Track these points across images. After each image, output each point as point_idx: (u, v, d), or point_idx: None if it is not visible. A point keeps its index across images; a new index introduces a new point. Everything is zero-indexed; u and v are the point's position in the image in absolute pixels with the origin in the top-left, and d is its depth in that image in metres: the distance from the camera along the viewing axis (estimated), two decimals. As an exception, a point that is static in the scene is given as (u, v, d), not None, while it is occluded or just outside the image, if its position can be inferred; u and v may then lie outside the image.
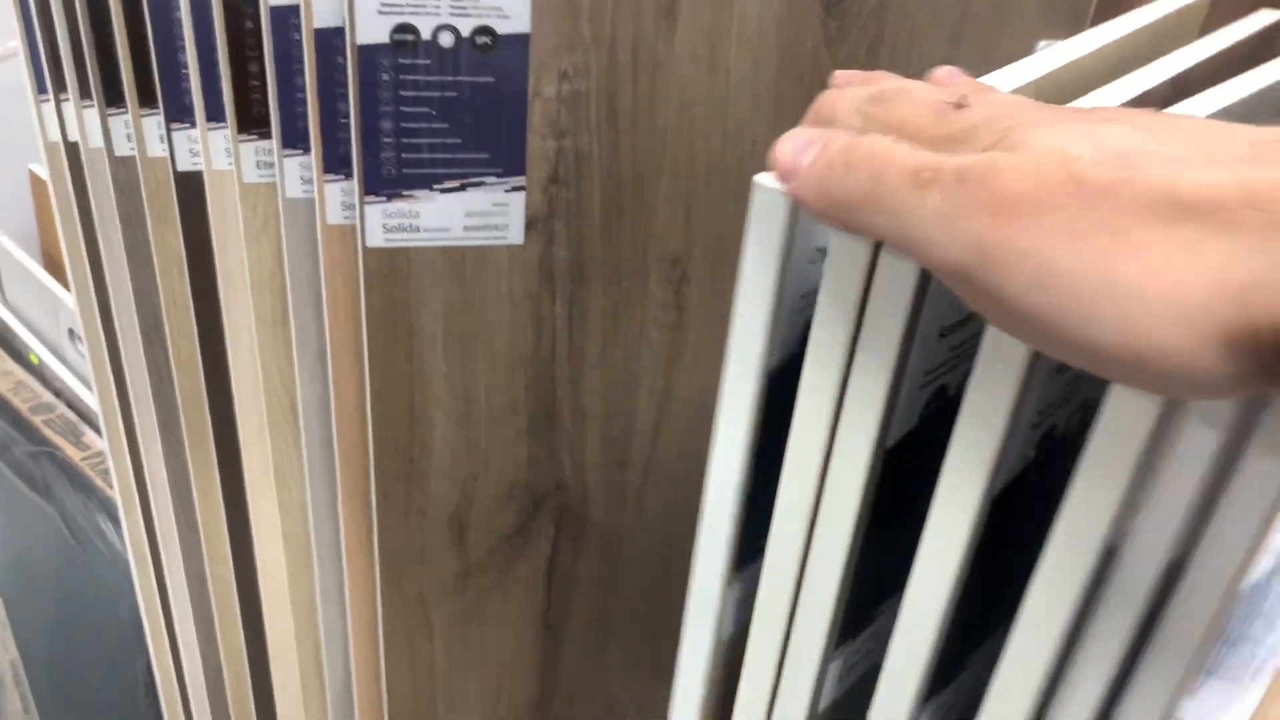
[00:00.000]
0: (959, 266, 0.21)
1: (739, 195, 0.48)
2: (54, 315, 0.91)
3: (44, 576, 0.86)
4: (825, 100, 0.28)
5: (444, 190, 0.43)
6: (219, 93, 0.47)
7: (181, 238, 0.52)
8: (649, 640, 0.62)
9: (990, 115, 0.23)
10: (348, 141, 0.44)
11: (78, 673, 0.87)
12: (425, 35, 0.39)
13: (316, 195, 0.45)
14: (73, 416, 0.87)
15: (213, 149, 0.49)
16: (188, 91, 0.48)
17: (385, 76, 0.40)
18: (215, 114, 0.48)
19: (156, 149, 0.50)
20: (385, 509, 0.51)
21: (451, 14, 0.39)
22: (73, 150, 0.53)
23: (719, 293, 0.51)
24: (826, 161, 0.24)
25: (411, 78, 0.40)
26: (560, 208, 0.45)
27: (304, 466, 0.55)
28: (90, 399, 0.87)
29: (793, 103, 0.46)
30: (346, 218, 0.45)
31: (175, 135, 0.49)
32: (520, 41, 0.40)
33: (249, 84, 0.46)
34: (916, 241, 0.21)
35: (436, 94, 0.41)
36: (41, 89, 0.52)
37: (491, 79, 0.41)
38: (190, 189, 0.51)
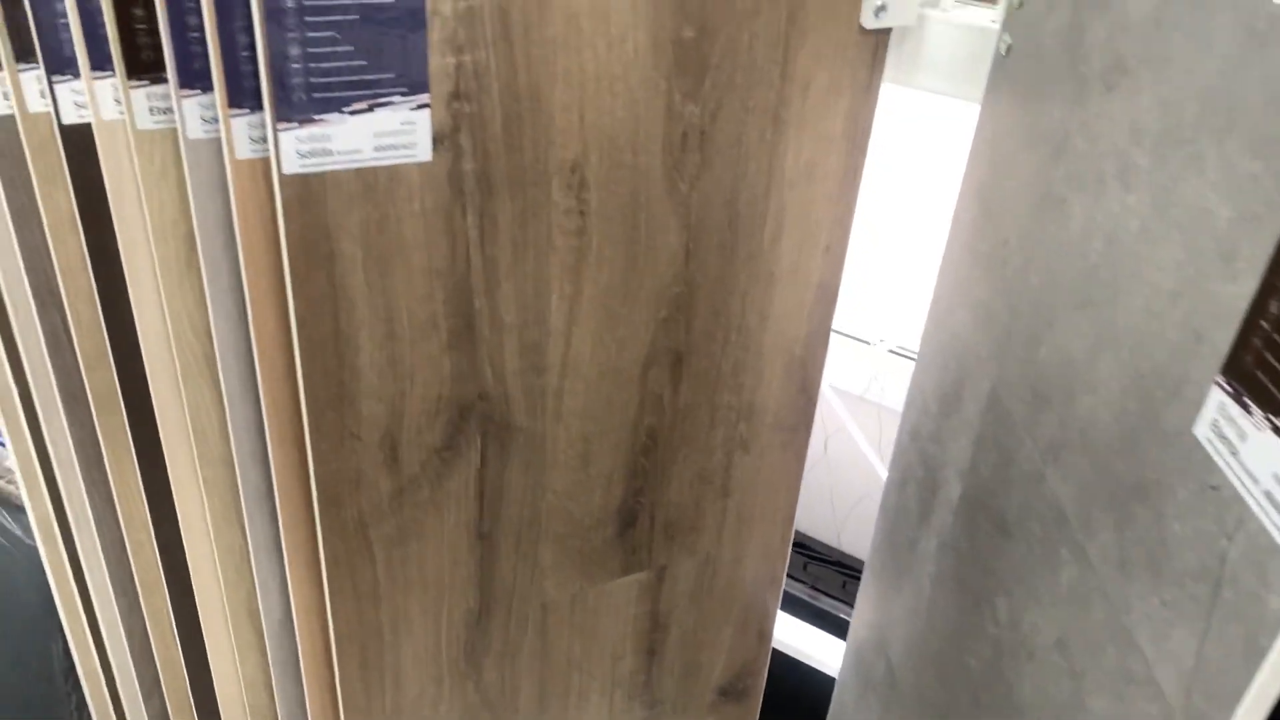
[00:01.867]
0: None
1: (626, 100, 0.52)
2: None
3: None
4: None
5: (354, 112, 0.45)
6: (103, 40, 0.47)
7: (72, 195, 0.52)
8: (576, 536, 0.66)
9: None
10: (251, 75, 0.45)
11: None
12: (325, -41, 0.41)
13: (223, 131, 0.45)
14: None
15: (100, 99, 0.48)
16: (68, 41, 0.48)
17: (290, 3, 0.41)
18: (99, 63, 0.48)
19: (37, 104, 0.50)
20: (319, 436, 0.53)
21: (349, -63, 0.41)
22: (-58, 114, 0.51)
23: (616, 195, 0.54)
24: None
25: (315, 3, 0.41)
26: (464, 122, 0.48)
27: (225, 411, 0.56)
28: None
29: (667, 10, 0.50)
30: (255, 151, 0.46)
31: (57, 88, 0.49)
32: (416, -40, 0.42)
33: (134, 28, 0.47)
34: None
35: (340, 17, 0.42)
36: (-99, 52, 0.50)
37: (391, -1, 0.43)
38: (77, 143, 0.51)
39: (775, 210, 0.60)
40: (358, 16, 0.43)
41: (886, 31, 0.57)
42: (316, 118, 0.44)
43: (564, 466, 0.63)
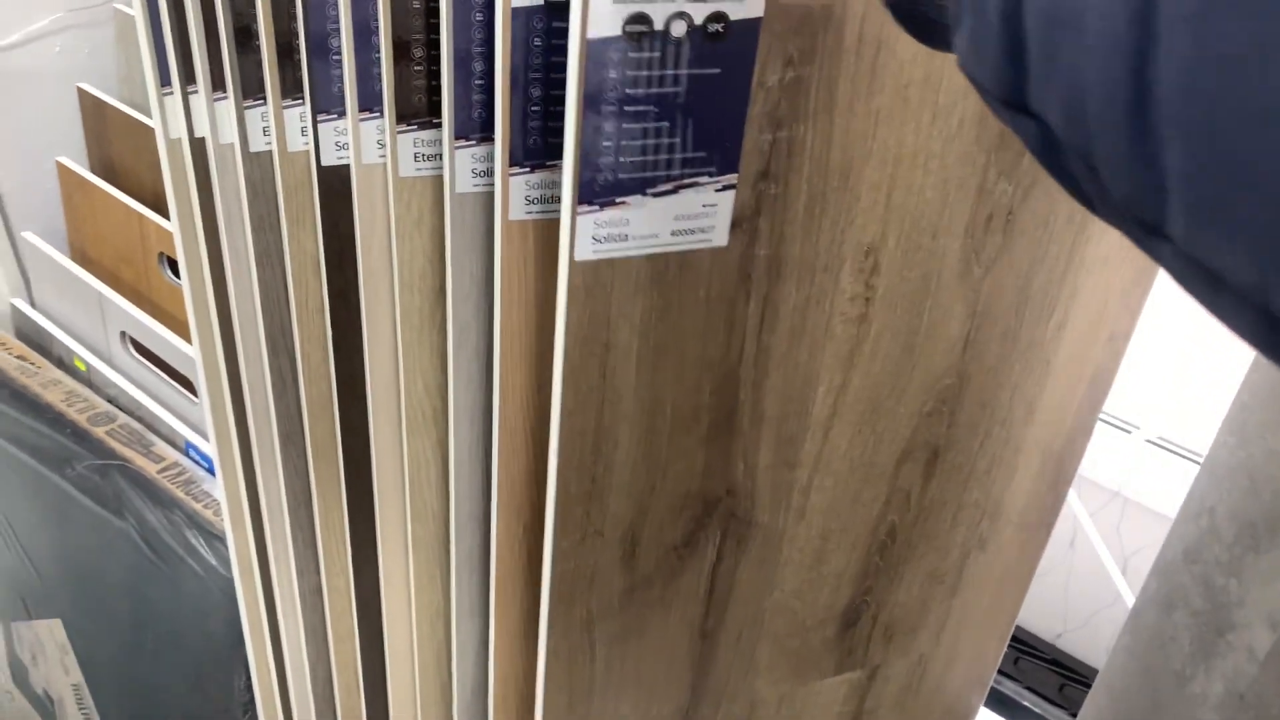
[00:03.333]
0: None
1: (938, 177, 0.45)
2: (99, 317, 0.84)
3: (118, 596, 0.81)
4: None
5: (658, 194, 0.39)
6: (375, 80, 0.43)
7: (320, 237, 0.48)
8: (795, 635, 0.60)
9: None
10: (537, 132, 0.40)
11: (161, 693, 0.82)
12: (658, 25, 0.35)
13: (499, 190, 0.41)
14: (138, 426, 0.81)
15: (364, 141, 0.44)
16: (337, 79, 0.44)
17: (613, 74, 0.36)
18: (367, 103, 0.44)
19: (297, 143, 0.46)
20: (562, 532, 0.48)
21: (686, 0, 0.35)
22: (198, 147, 0.48)
23: (907, 279, 0.48)
24: None
25: (639, 73, 0.36)
26: (767, 204, 0.42)
27: (450, 472, 0.52)
28: (152, 405, 0.82)
29: (1007, 81, 0.43)
30: (529, 213, 0.42)
31: (320, 127, 0.45)
32: (751, 26, 0.37)
33: (411, 69, 0.42)
34: None
35: (660, 90, 0.37)
36: (165, 81, 0.47)
37: (718, 70, 0.37)
38: (331, 185, 0.47)
39: (1067, 296, 0.53)
40: (678, 89, 0.37)
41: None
42: (619, 200, 0.39)
43: (797, 564, 0.57)
